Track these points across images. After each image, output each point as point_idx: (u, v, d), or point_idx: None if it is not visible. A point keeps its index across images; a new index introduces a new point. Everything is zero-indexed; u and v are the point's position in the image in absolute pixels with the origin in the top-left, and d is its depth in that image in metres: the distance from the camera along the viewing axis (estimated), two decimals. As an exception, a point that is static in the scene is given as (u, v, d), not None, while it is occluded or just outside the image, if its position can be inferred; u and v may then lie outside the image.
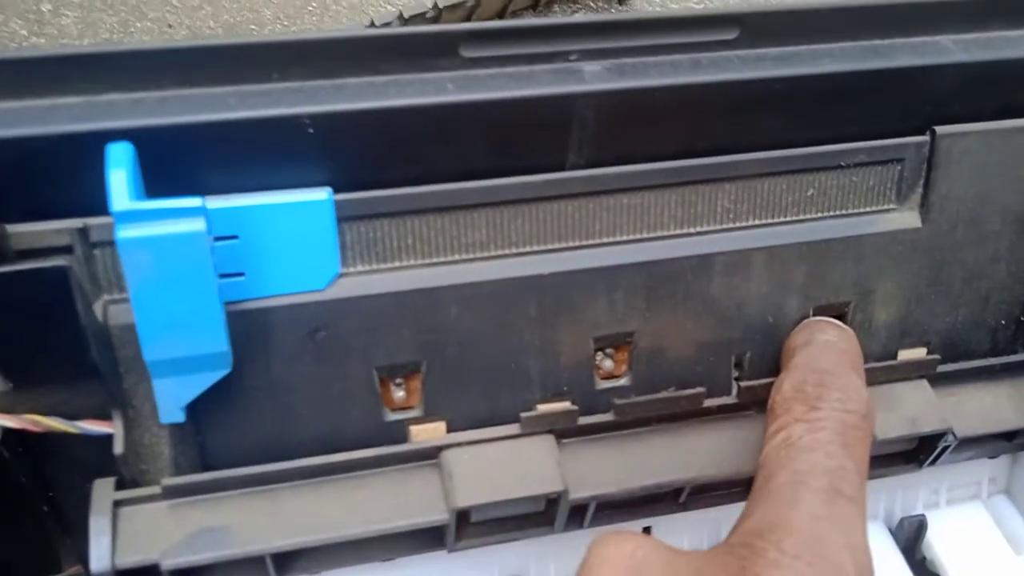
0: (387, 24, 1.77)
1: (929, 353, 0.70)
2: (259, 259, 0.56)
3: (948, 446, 0.67)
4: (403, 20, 1.78)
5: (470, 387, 0.63)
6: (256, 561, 0.54)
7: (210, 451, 0.58)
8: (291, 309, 0.57)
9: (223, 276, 0.54)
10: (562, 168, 0.63)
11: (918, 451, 0.68)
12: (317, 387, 0.59)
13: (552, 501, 0.59)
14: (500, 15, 1.93)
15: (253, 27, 2.01)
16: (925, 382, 0.67)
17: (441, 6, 1.81)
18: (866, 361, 0.68)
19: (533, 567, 0.67)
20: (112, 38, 1.96)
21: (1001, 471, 0.79)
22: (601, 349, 0.66)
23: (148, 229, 0.48)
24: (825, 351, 0.61)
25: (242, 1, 2.13)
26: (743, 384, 0.64)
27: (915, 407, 0.66)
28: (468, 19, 1.83)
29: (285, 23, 2.06)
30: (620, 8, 2.06)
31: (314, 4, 2.08)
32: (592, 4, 2.04)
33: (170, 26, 2.04)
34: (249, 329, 0.56)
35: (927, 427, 0.65)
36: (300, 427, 0.59)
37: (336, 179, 0.57)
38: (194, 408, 0.55)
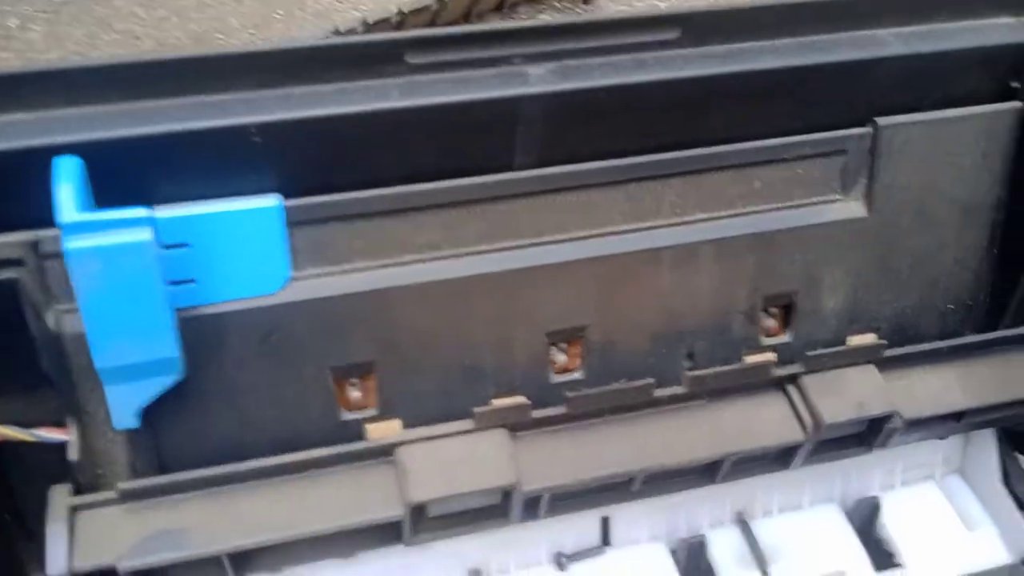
0: (352, 31, 1.78)
1: (879, 339, 0.71)
2: (210, 266, 0.57)
3: (896, 428, 0.68)
4: (367, 26, 1.79)
5: (425, 385, 0.64)
6: (213, 561, 0.55)
7: (166, 455, 0.59)
8: (244, 314, 0.58)
9: (174, 283, 0.55)
10: (510, 168, 0.64)
11: (868, 434, 0.70)
12: (272, 389, 0.60)
13: (507, 493, 0.60)
14: (465, 18, 1.94)
15: (220, 36, 2.01)
16: (873, 367, 0.69)
17: (406, 11, 1.82)
18: (815, 348, 0.70)
19: (493, 560, 0.69)
20: (79, 51, 1.96)
21: (955, 452, 0.81)
22: (555, 343, 0.68)
23: (95, 240, 0.49)
24: None
25: (208, 11, 2.13)
26: (694, 374, 0.65)
27: (862, 391, 0.67)
28: (432, 23, 1.84)
29: (252, 31, 2.06)
30: (585, 8, 2.07)
31: (280, 12, 2.08)
32: (557, 4, 2.06)
33: (137, 38, 2.03)
34: (203, 334, 0.57)
35: (874, 410, 0.67)
36: (256, 429, 0.60)
37: (285, 185, 0.58)
38: (149, 413, 0.56)
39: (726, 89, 0.66)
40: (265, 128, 0.57)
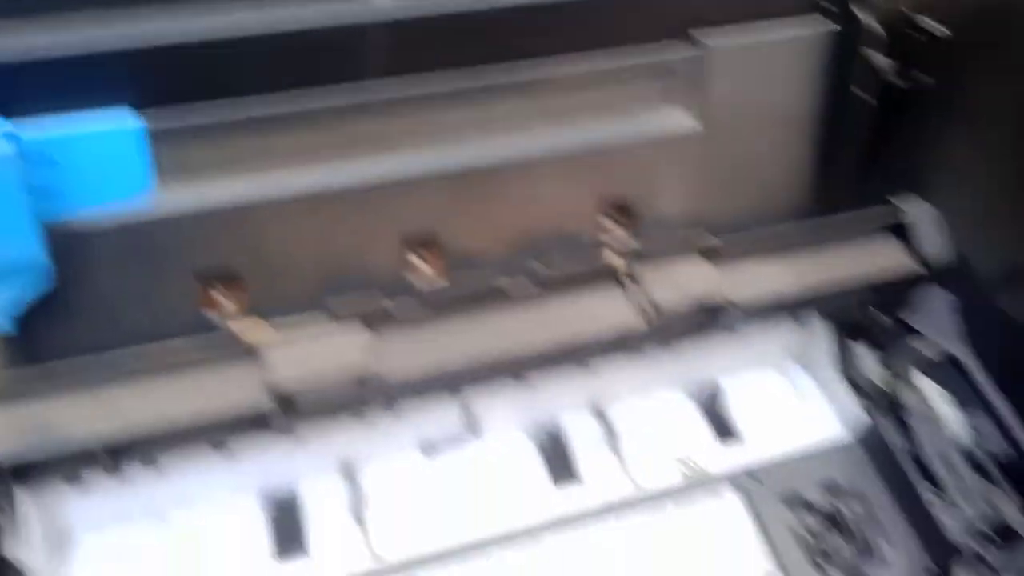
0: None
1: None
2: (75, 181, 0.60)
3: (732, 315, 0.75)
4: None
5: (289, 291, 0.69)
6: (88, 454, 0.59)
7: (43, 361, 0.63)
8: (110, 226, 0.62)
9: (40, 197, 0.59)
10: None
11: (706, 321, 0.76)
12: (142, 298, 0.65)
13: (366, 381, 0.65)
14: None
15: None
16: (706, 261, 0.75)
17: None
18: (655, 249, 0.76)
19: (364, 451, 0.74)
20: None
21: (794, 342, 0.88)
22: (414, 251, 0.73)
23: (-45, 152, 0.53)
24: None
25: None
26: (542, 273, 0.71)
27: (697, 282, 0.74)
28: None
29: None
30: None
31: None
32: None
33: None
34: (72, 245, 0.61)
35: (709, 297, 0.73)
36: (128, 335, 0.64)
37: (147, 103, 0.62)
38: (24, 321, 0.60)
39: (560, 11, 0.71)
40: (122, 53, 0.60)
